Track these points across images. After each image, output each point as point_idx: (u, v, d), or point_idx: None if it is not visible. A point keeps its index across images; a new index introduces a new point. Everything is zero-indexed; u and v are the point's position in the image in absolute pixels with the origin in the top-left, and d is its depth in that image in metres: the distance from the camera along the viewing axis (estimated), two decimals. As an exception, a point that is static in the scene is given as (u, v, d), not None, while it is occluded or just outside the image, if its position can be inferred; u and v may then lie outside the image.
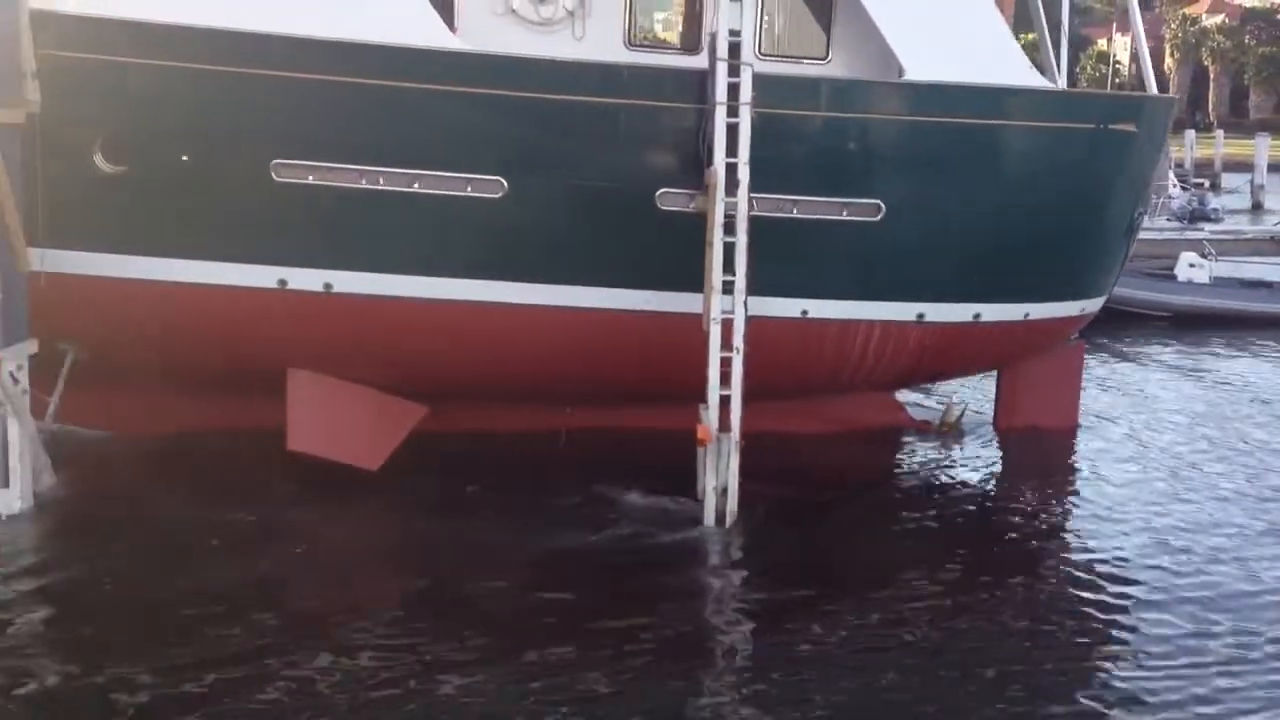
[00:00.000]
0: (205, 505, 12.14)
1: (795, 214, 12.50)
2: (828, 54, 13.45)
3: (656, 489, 12.70)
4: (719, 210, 11.69)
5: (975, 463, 14.86)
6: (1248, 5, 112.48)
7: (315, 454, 12.87)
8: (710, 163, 11.88)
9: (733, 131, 11.73)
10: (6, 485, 11.91)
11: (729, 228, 11.81)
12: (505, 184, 12.28)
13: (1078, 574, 11.56)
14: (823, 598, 10.74)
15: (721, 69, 11.65)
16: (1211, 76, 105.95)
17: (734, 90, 11.69)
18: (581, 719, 8.49)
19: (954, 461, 14.81)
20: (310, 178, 12.21)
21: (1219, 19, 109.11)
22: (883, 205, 12.62)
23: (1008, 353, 14.34)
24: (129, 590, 10.36)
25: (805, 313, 12.87)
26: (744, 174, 11.74)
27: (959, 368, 14.79)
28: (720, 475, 11.98)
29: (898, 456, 14.96)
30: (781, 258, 12.36)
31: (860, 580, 11.18)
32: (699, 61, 12.95)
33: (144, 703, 8.49)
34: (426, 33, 12.17)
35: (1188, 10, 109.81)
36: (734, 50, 11.64)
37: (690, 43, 13.31)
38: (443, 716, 8.50)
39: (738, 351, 11.94)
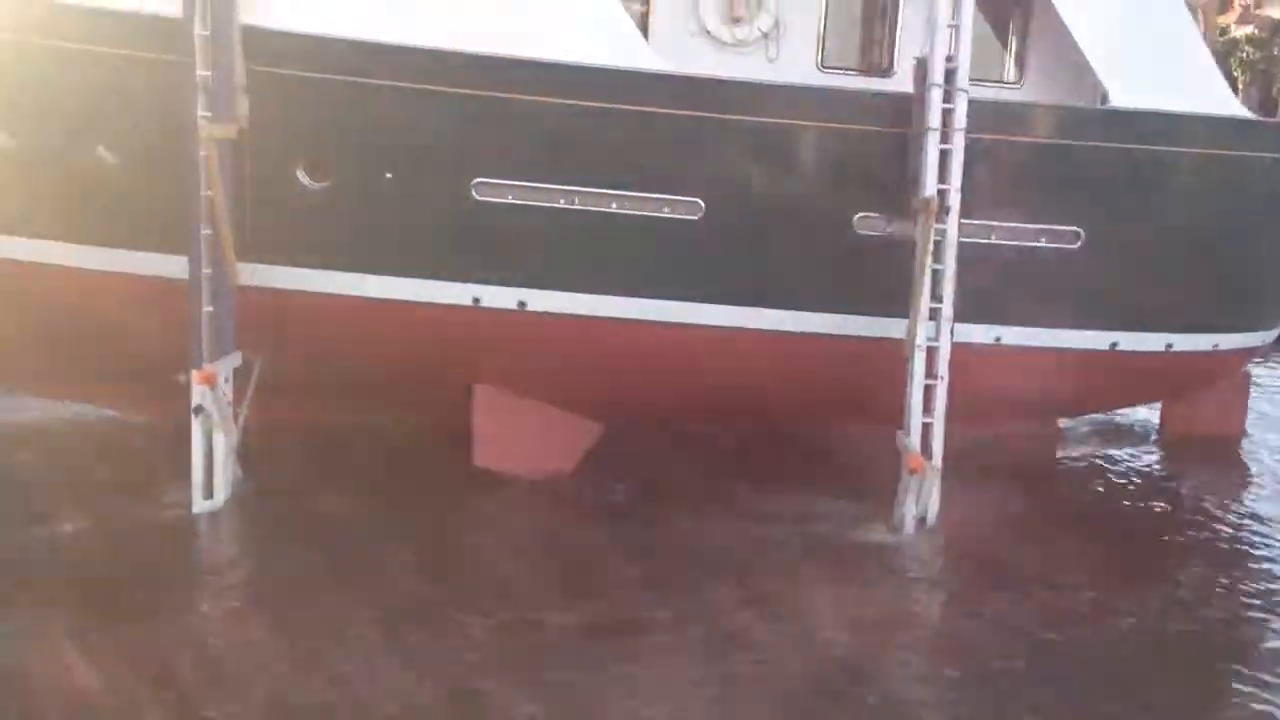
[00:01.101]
0: (383, 503, 11.89)
1: (993, 240, 11.93)
2: (1020, 78, 12.85)
3: (841, 490, 12.40)
4: (929, 236, 11.16)
5: (1145, 465, 14.53)
6: (1277, 16, 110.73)
7: (500, 469, 12.44)
8: (917, 189, 11.34)
9: (944, 158, 11.18)
10: (212, 497, 11.52)
11: (936, 254, 11.29)
12: (703, 205, 11.78)
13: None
14: (1018, 597, 10.40)
15: (935, 95, 11.13)
16: (1240, 87, 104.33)
17: (947, 116, 11.13)
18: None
19: (1124, 463, 14.45)
20: (510, 197, 11.77)
21: (1248, 30, 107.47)
22: (1082, 233, 12.04)
23: (1194, 382, 13.78)
24: (330, 593, 9.98)
25: (999, 339, 12.31)
26: (955, 201, 11.22)
27: (1147, 396, 14.25)
28: (921, 503, 11.47)
29: (1066, 458, 14.60)
30: (977, 284, 11.79)
31: (1070, 580, 10.79)
32: (893, 84, 12.45)
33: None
34: (630, 53, 11.66)
35: (1219, 19, 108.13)
36: (949, 76, 11.07)
37: (883, 66, 12.74)
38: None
39: (941, 379, 11.45)
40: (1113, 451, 14.90)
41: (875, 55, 12.88)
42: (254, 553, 11.14)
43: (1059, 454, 14.74)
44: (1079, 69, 12.37)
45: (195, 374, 11.29)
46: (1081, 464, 14.58)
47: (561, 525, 11.92)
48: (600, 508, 12.25)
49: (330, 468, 12.47)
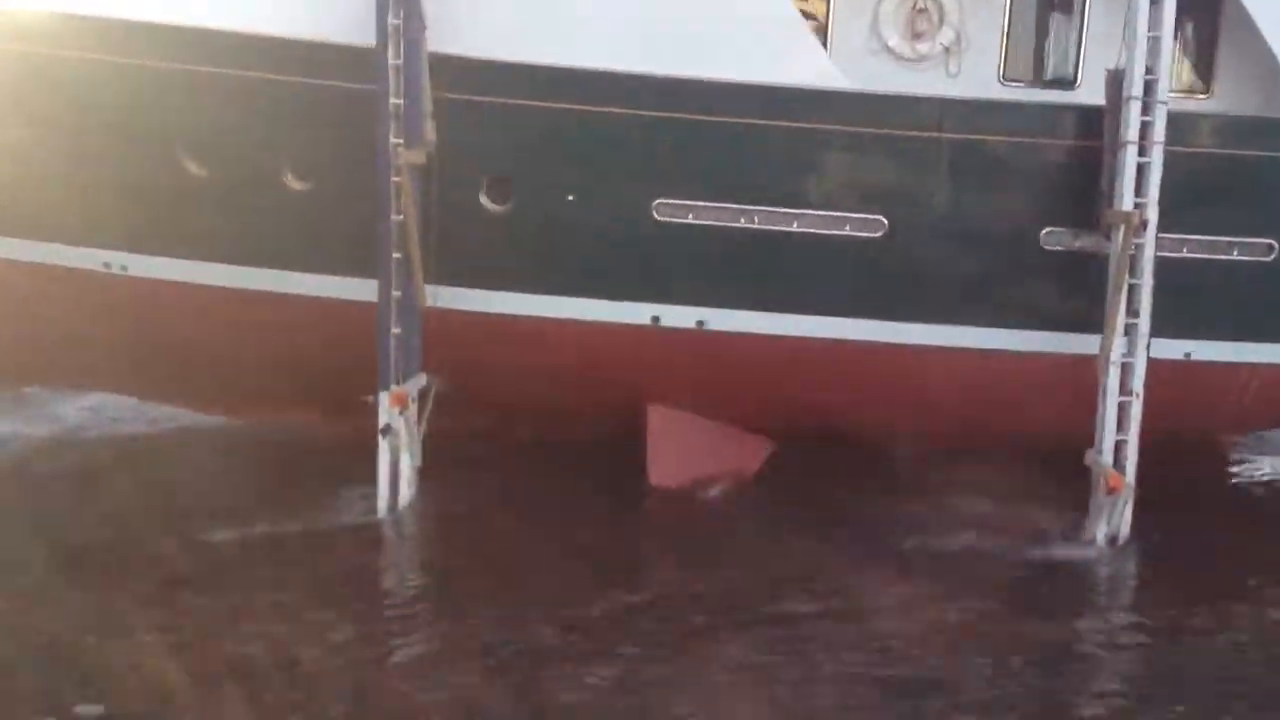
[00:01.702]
0: (554, 512, 11.85)
1: (1185, 253, 11.48)
2: (1210, 89, 12.35)
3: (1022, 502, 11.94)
4: (1127, 251, 10.78)
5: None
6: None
7: (673, 487, 12.25)
8: (1111, 203, 10.97)
9: (1142, 171, 10.77)
10: (395, 509, 11.52)
11: (1132, 269, 10.88)
12: (886, 222, 11.51)
13: None
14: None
15: (1134, 108, 10.72)
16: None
17: (1145, 129, 10.72)
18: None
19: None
20: (690, 217, 11.62)
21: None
22: (1276, 245, 11.53)
23: None
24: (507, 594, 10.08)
25: (1189, 355, 11.86)
26: (1153, 215, 10.82)
27: None
28: (1114, 522, 11.06)
29: (1240, 472, 14.12)
30: (1168, 298, 11.34)
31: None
32: (1075, 97, 12.08)
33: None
34: (816, 72, 11.43)
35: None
36: (1148, 88, 10.67)
37: (1067, 78, 12.33)
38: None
39: (1137, 396, 11.05)
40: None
41: (1058, 67, 12.47)
42: (437, 558, 11.21)
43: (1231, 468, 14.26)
44: (1271, 78, 11.85)
45: (386, 395, 11.30)
46: (1259, 477, 14.01)
47: (746, 534, 11.71)
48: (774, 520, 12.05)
49: (505, 477, 12.49)
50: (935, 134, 11.48)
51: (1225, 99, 12.29)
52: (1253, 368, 12.07)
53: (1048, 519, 11.81)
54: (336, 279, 11.96)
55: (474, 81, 11.41)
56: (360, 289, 11.71)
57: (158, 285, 12.35)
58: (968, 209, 11.58)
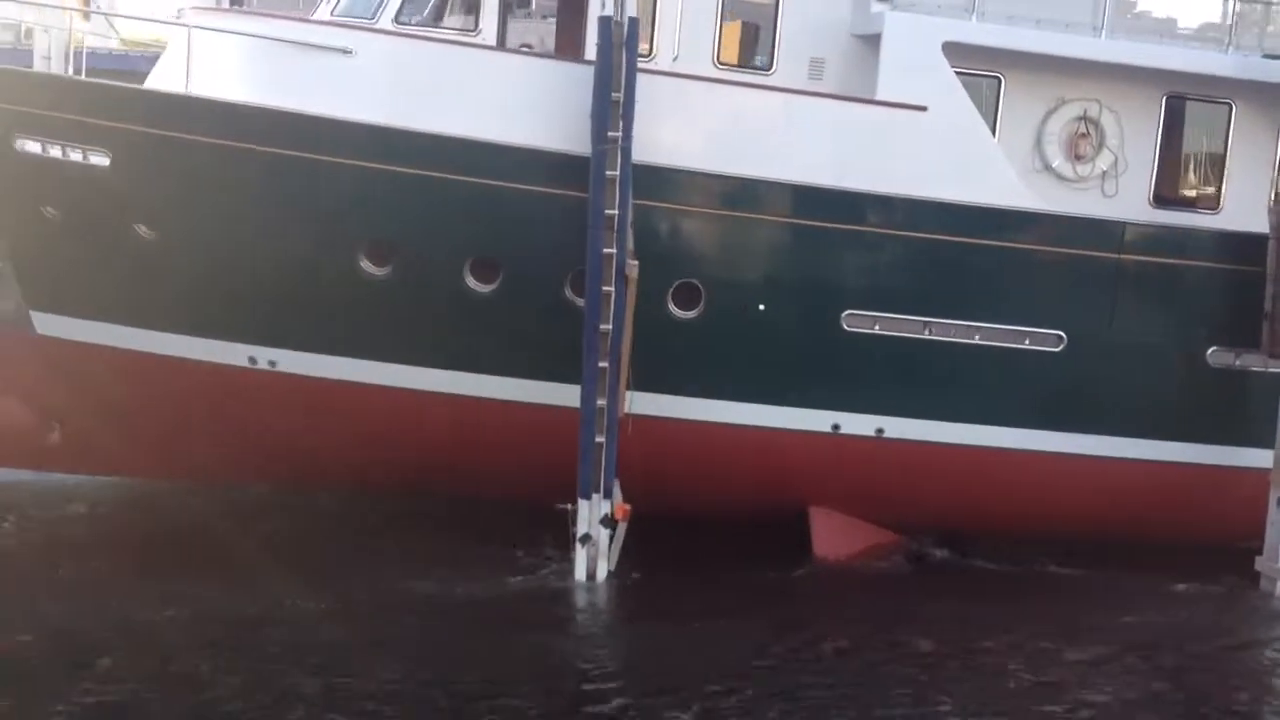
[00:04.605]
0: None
1: None
2: None
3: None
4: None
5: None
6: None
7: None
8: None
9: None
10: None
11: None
12: (1064, 338, 11.34)
13: None
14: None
15: (1318, 241, 10.78)
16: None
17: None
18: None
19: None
20: (876, 327, 11.26)
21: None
22: None
23: None
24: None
25: None
26: (1332, 339, 10.85)
27: None
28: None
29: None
30: None
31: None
32: (1219, 220, 12.12)
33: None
34: (1006, 191, 11.26)
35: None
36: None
37: (1212, 202, 12.40)
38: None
39: (1311, 509, 11.00)
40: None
41: (1204, 192, 12.53)
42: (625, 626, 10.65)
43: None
44: None
45: (586, 504, 10.62)
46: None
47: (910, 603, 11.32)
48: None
49: (685, 552, 11.79)
50: (1114, 255, 11.41)
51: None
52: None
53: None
54: (515, 381, 11.29)
55: (670, 190, 10.97)
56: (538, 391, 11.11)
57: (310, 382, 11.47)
58: (1141, 326, 11.52)
